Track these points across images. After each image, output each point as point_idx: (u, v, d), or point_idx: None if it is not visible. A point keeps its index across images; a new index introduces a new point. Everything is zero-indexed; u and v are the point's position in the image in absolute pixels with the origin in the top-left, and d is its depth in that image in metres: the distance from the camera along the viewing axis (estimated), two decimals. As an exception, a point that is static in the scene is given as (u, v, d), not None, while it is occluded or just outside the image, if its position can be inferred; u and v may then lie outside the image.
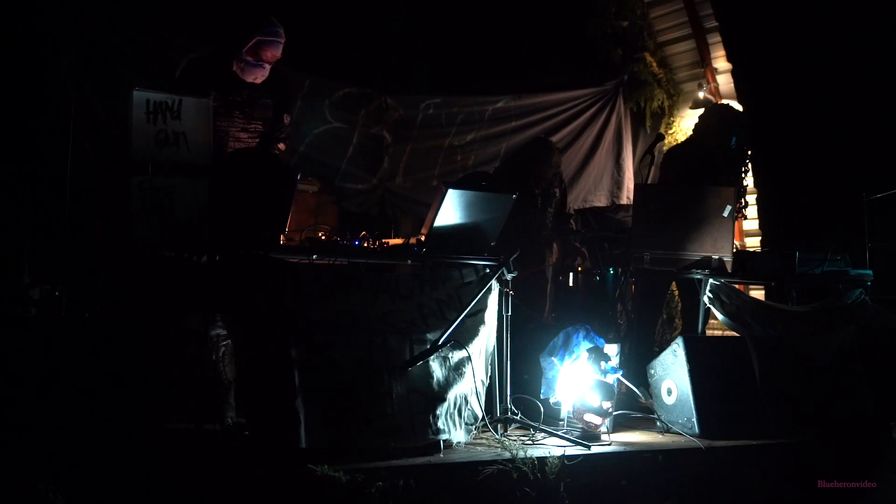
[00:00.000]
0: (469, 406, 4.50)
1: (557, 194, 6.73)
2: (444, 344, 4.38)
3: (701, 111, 6.97)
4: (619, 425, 4.97)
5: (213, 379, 4.50)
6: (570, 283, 6.41)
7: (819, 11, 7.56)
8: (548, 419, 4.78)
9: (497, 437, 4.52)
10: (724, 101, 7.94)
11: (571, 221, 7.05)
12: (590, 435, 4.61)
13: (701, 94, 8.64)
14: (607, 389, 4.69)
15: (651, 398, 5.23)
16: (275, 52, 5.34)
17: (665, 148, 8.23)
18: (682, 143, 7.23)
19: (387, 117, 7.61)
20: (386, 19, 7.60)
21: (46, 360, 3.69)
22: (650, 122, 9.03)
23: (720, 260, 5.49)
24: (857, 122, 7.34)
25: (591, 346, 4.83)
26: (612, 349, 5.05)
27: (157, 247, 4.27)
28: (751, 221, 8.49)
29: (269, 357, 4.04)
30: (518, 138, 8.23)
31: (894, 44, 7.14)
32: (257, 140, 5.50)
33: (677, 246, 5.61)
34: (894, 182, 6.50)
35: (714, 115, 6.60)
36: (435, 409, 4.28)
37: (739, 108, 7.57)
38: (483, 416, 4.57)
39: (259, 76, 5.39)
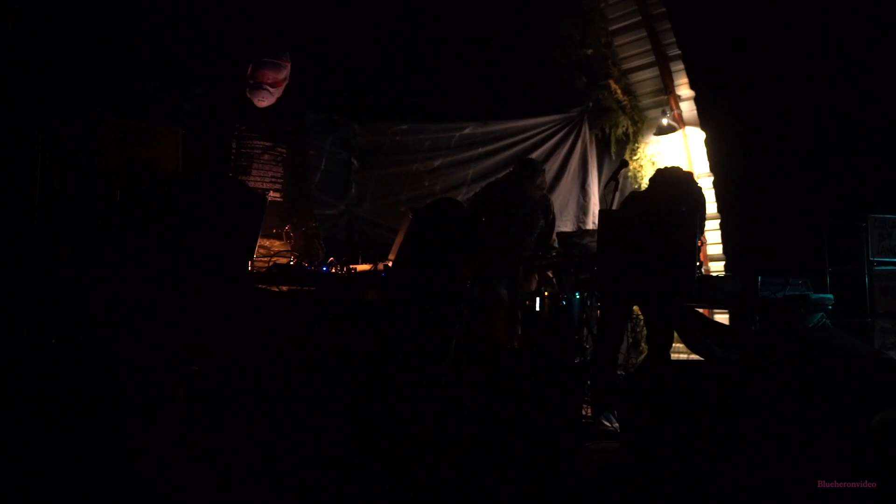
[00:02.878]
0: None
1: (542, 223, 6.76)
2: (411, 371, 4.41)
3: (665, 137, 6.90)
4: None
5: (182, 403, 4.50)
6: (537, 308, 6.44)
7: (780, 39, 7.70)
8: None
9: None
10: (672, 166, 6.94)
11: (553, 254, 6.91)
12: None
13: (665, 121, 8.75)
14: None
15: (616, 423, 5.27)
16: (275, 76, 5.44)
17: (629, 173, 8.36)
18: (637, 198, 6.74)
19: (354, 143, 7.69)
20: (353, 47, 7.66)
21: (12, 386, 3.67)
22: (615, 149, 9.12)
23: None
24: (816, 149, 7.46)
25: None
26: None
27: (123, 273, 4.27)
28: (714, 246, 8.59)
29: (238, 380, 4.05)
30: (484, 164, 8.31)
31: (855, 71, 7.28)
32: (281, 165, 5.58)
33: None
34: (853, 207, 6.62)
35: (661, 184, 6.10)
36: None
37: (687, 169, 7.13)
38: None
39: (264, 99, 5.47)
